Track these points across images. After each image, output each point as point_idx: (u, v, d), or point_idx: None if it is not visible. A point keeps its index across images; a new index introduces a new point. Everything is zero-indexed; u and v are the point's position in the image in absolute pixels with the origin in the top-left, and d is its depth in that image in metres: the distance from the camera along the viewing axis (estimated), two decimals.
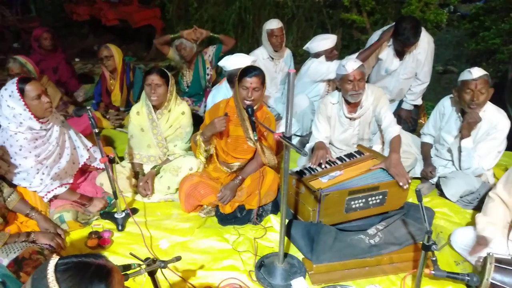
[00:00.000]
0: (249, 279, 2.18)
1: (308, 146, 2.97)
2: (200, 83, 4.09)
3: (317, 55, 3.43)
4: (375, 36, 3.46)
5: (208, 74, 4.08)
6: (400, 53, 3.35)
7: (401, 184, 2.39)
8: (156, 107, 2.82)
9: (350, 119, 2.85)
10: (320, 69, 3.44)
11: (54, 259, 0.98)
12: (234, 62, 3.01)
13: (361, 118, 2.84)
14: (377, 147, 2.95)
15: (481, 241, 2.10)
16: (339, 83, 2.73)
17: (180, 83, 4.13)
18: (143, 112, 2.86)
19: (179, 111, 2.88)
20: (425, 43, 3.28)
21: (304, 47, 3.48)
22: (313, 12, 5.30)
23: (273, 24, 3.69)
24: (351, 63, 2.63)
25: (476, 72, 2.53)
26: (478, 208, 2.58)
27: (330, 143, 2.98)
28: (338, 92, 2.85)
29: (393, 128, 2.70)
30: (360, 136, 2.93)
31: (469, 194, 2.70)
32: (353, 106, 2.79)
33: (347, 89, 2.66)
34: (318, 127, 2.90)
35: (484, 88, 2.52)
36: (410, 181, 2.43)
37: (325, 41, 3.37)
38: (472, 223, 2.55)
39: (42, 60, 4.19)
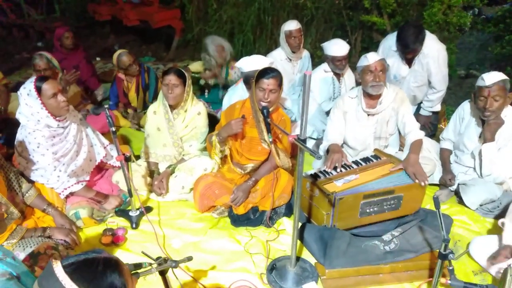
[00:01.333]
0: (260, 281, 2.17)
1: (322, 147, 2.93)
2: (218, 92, 4.09)
3: (325, 57, 3.41)
4: (383, 40, 3.47)
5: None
6: (408, 61, 3.31)
7: (417, 181, 2.37)
8: (172, 107, 2.84)
9: (368, 114, 2.80)
10: (314, 79, 3.42)
11: (56, 264, 0.98)
12: (251, 63, 3.00)
13: (379, 115, 2.79)
14: (392, 150, 2.90)
15: (507, 251, 2.01)
16: (359, 75, 2.73)
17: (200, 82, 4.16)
18: (159, 111, 2.89)
19: (195, 112, 2.89)
20: (435, 51, 3.21)
21: (322, 44, 3.46)
22: (332, 13, 5.25)
23: (292, 25, 3.67)
24: (373, 55, 2.64)
25: (490, 79, 2.45)
26: (498, 217, 2.49)
27: (344, 143, 2.94)
28: (358, 87, 2.82)
29: (416, 133, 2.67)
30: (377, 134, 2.88)
31: (490, 203, 2.62)
32: (372, 100, 2.74)
33: (367, 80, 2.64)
34: (332, 123, 2.87)
35: (498, 95, 2.44)
36: (428, 181, 2.41)
37: (336, 48, 3.30)
38: (492, 232, 2.48)
39: (63, 58, 4.28)
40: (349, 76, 3.58)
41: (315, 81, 3.46)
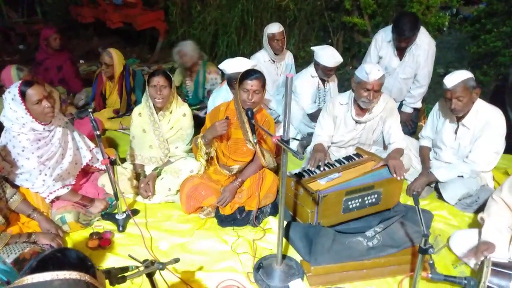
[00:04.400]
0: (247, 280, 2.20)
1: (309, 149, 2.99)
2: (198, 94, 4.07)
3: (316, 63, 3.41)
4: (376, 35, 3.53)
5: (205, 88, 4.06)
6: (400, 52, 3.37)
7: (395, 175, 2.46)
8: (158, 109, 2.85)
9: (356, 122, 2.85)
10: (300, 83, 3.45)
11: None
12: (234, 65, 3.03)
13: (367, 124, 2.84)
14: (377, 148, 2.97)
15: (486, 247, 2.08)
16: (354, 85, 2.69)
17: (183, 89, 4.14)
18: (144, 113, 2.89)
19: (180, 113, 2.91)
20: (426, 44, 3.29)
21: (313, 48, 3.46)
22: (314, 15, 5.31)
23: (274, 28, 3.71)
24: (375, 72, 2.55)
25: (450, 81, 2.54)
26: (478, 211, 2.58)
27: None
28: (350, 93, 2.83)
29: (400, 143, 2.74)
30: (362, 140, 2.94)
31: (468, 197, 2.71)
32: (362, 110, 2.78)
33: (361, 95, 2.62)
34: (322, 125, 2.91)
35: (461, 96, 2.53)
36: (405, 175, 2.51)
37: (330, 59, 3.27)
38: (472, 225, 2.57)
39: (47, 58, 4.26)
40: (333, 81, 3.63)
41: (301, 85, 3.50)
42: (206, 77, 3.99)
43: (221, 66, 3.16)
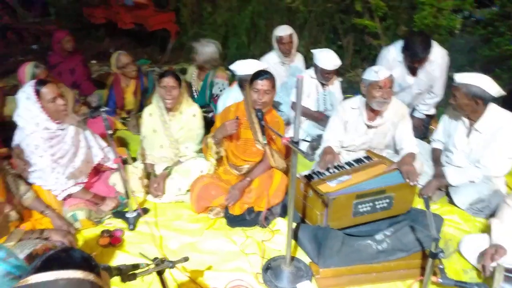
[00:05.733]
0: (256, 281, 2.21)
1: (318, 152, 2.99)
2: (205, 96, 4.02)
3: (314, 65, 3.36)
4: (384, 52, 3.44)
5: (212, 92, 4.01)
6: (413, 70, 3.31)
7: (407, 180, 2.44)
8: (168, 109, 2.87)
9: (368, 126, 2.83)
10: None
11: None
12: (245, 67, 3.06)
13: (378, 128, 2.83)
14: (387, 151, 2.96)
15: (497, 250, 2.06)
16: (365, 89, 2.67)
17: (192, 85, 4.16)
18: (155, 113, 2.92)
19: (190, 113, 2.94)
20: (439, 58, 3.24)
21: (313, 50, 3.44)
22: (325, 17, 5.30)
23: (282, 31, 3.73)
24: (383, 70, 2.60)
25: (457, 78, 2.60)
26: (490, 217, 2.55)
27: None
28: (360, 97, 2.81)
29: (412, 149, 2.71)
30: (373, 145, 2.92)
31: (479, 202, 2.67)
32: (373, 114, 2.77)
33: (374, 95, 2.61)
34: (332, 130, 2.90)
35: (457, 96, 2.59)
36: (418, 179, 2.49)
37: (327, 61, 3.24)
38: (483, 231, 2.54)
39: (60, 62, 4.30)
40: (335, 86, 3.53)
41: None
42: (212, 81, 3.98)
43: (232, 67, 3.17)
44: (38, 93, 2.32)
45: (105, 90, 4.12)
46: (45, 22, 7.02)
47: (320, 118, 3.45)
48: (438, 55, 3.23)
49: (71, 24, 6.92)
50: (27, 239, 2.14)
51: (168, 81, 2.76)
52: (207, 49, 3.80)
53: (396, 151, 2.92)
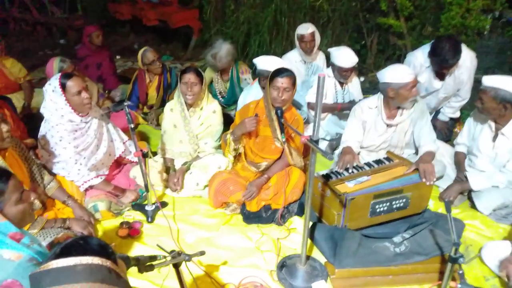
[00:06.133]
0: (270, 278, 2.21)
1: (337, 152, 2.96)
2: (236, 94, 3.97)
3: (332, 64, 3.32)
4: (411, 58, 3.33)
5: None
6: (440, 75, 3.22)
7: (424, 180, 2.41)
8: (189, 105, 2.91)
9: (388, 125, 2.80)
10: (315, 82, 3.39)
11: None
12: (267, 62, 3.08)
13: (398, 126, 2.79)
14: (409, 151, 2.92)
15: None
16: (396, 92, 2.59)
17: (212, 89, 4.13)
18: (176, 109, 2.96)
19: (210, 110, 2.96)
20: (468, 62, 3.14)
21: (330, 49, 3.39)
22: (349, 16, 5.23)
23: (303, 29, 3.70)
24: (408, 70, 2.63)
25: (485, 80, 2.52)
26: None
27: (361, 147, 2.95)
28: (378, 96, 2.78)
29: (432, 146, 2.68)
30: (393, 143, 2.88)
31: (503, 208, 2.60)
32: (393, 112, 2.74)
33: (408, 96, 2.58)
34: (349, 131, 2.87)
35: (485, 100, 2.53)
36: (434, 181, 2.46)
37: (344, 59, 3.19)
38: (506, 238, 2.47)
39: (88, 55, 4.45)
40: (354, 84, 3.49)
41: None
42: (239, 77, 3.99)
43: (255, 60, 3.20)
44: (63, 86, 2.39)
45: (129, 85, 4.20)
46: (72, 18, 7.21)
47: (339, 109, 3.40)
48: (467, 59, 3.12)
49: (97, 20, 7.08)
50: (49, 227, 2.21)
51: (190, 77, 2.79)
52: (225, 51, 3.74)
53: (416, 150, 2.87)
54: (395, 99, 2.64)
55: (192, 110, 2.93)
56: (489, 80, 2.50)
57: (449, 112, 3.46)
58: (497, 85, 2.45)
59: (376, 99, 2.79)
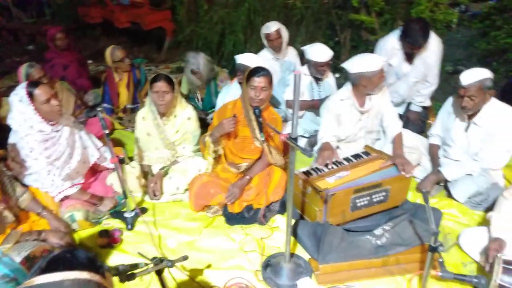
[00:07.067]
0: (255, 278, 2.20)
1: (315, 149, 2.98)
2: (212, 102, 3.92)
3: (307, 61, 3.35)
4: (382, 43, 3.43)
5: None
6: (410, 57, 3.32)
7: (403, 173, 2.47)
8: (162, 114, 2.81)
9: (362, 113, 2.87)
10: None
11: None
12: (246, 58, 3.09)
13: (370, 111, 2.88)
14: (384, 143, 3.00)
15: (499, 244, 2.07)
16: (368, 80, 2.68)
17: (191, 100, 4.00)
18: (148, 117, 2.85)
19: (185, 116, 2.87)
20: (435, 46, 3.25)
21: (303, 48, 3.41)
22: (321, 13, 5.28)
23: (267, 28, 3.74)
24: (377, 58, 2.74)
25: (466, 79, 2.51)
26: (487, 210, 2.56)
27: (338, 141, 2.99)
28: (345, 88, 2.85)
29: (396, 124, 2.82)
30: (369, 128, 2.97)
31: (478, 195, 2.67)
32: (363, 99, 2.83)
33: (377, 83, 2.70)
34: (325, 126, 2.90)
35: (474, 95, 2.50)
36: (413, 171, 2.54)
37: (319, 53, 3.22)
38: (482, 224, 2.54)
39: (54, 57, 4.33)
40: (329, 80, 3.52)
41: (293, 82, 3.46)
42: (218, 85, 3.92)
43: (236, 56, 3.19)
44: (31, 95, 2.29)
45: (101, 88, 4.14)
46: (40, 22, 6.99)
47: (317, 106, 3.44)
48: (433, 43, 3.24)
49: (67, 24, 6.90)
50: (24, 241, 2.12)
51: (161, 85, 2.66)
52: (203, 65, 3.65)
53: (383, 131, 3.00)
54: (368, 87, 2.72)
55: (166, 118, 2.83)
56: (468, 77, 2.51)
57: (420, 100, 3.53)
58: (479, 77, 2.50)
59: (346, 91, 2.85)
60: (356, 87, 2.77)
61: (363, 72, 2.67)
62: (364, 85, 2.71)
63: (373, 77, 2.66)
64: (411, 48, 3.20)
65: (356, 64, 2.72)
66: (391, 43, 3.36)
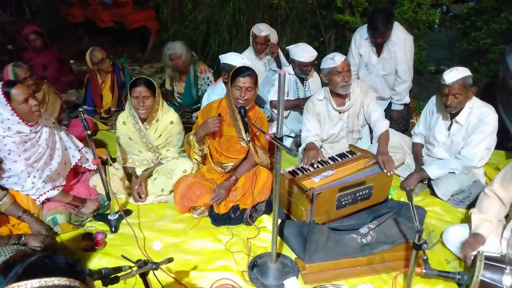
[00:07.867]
0: (242, 279, 2.19)
1: (300, 149, 2.99)
2: (192, 94, 3.95)
3: (292, 61, 3.36)
4: (354, 34, 3.61)
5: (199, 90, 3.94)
6: (378, 49, 3.45)
7: (385, 171, 2.50)
8: (143, 119, 2.74)
9: (340, 112, 2.89)
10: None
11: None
12: (230, 57, 3.07)
13: (349, 111, 2.91)
14: (365, 144, 3.04)
15: (476, 239, 2.11)
16: (326, 77, 2.78)
17: (173, 93, 4.03)
18: (129, 122, 2.78)
19: (167, 121, 2.80)
20: (402, 40, 3.36)
21: (288, 47, 3.42)
22: (306, 13, 5.31)
23: (258, 30, 3.75)
24: (338, 55, 2.71)
25: (450, 77, 2.54)
26: (469, 207, 2.60)
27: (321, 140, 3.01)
28: (324, 88, 2.90)
29: (382, 123, 2.82)
30: (350, 128, 3.01)
31: (460, 193, 2.72)
32: (341, 99, 2.85)
33: (336, 81, 2.72)
34: (307, 126, 2.93)
35: (458, 93, 2.54)
36: (394, 170, 2.56)
37: (304, 53, 3.24)
38: (464, 221, 2.58)
39: (32, 58, 4.21)
40: (314, 80, 3.54)
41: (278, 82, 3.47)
42: (198, 77, 3.93)
43: (221, 56, 3.17)
44: (7, 95, 2.22)
45: (82, 89, 4.05)
46: (20, 21, 6.81)
47: (301, 105, 3.44)
48: (400, 37, 3.36)
49: (48, 23, 6.75)
50: (3, 245, 2.06)
51: (141, 90, 2.56)
52: (180, 49, 3.70)
53: (370, 129, 3.02)
54: (330, 85, 2.79)
55: (148, 123, 2.75)
56: (451, 76, 2.54)
57: (398, 98, 3.60)
58: (462, 75, 2.54)
59: (323, 91, 2.91)
60: (328, 86, 2.84)
61: (321, 68, 2.78)
62: (326, 82, 2.81)
63: (328, 74, 2.73)
64: (374, 36, 3.32)
65: (322, 62, 2.81)
66: (359, 32, 3.53)
